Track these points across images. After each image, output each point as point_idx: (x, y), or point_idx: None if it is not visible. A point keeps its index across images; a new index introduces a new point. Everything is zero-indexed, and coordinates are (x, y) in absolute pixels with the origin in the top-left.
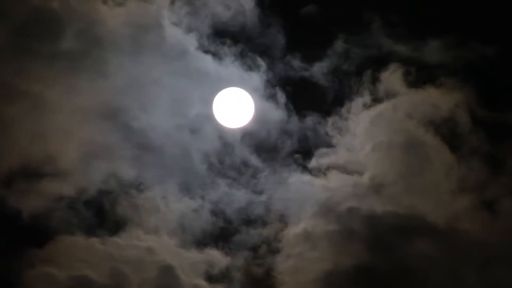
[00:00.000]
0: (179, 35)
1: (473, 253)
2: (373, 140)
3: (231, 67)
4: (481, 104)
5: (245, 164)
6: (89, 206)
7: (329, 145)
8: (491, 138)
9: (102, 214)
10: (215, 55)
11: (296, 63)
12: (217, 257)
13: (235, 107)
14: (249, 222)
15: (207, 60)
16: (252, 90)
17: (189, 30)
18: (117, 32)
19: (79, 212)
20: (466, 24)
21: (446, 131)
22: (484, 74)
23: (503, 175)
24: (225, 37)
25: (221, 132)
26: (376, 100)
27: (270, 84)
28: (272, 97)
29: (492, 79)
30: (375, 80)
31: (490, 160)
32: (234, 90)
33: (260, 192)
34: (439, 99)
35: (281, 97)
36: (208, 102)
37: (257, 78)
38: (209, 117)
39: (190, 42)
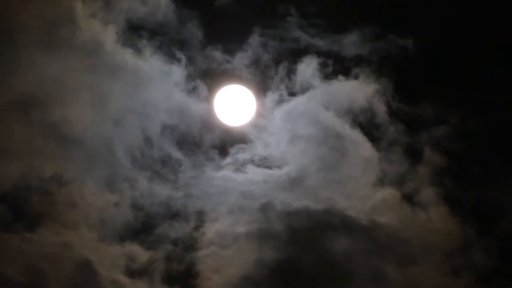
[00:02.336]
0: (95, 28)
1: (394, 247)
2: (290, 133)
3: (150, 60)
4: (398, 96)
5: (167, 158)
6: (4, 202)
7: (248, 139)
8: (408, 130)
9: (18, 209)
10: (134, 48)
11: (216, 56)
12: (137, 252)
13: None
14: (170, 216)
15: (126, 54)
16: (173, 84)
17: (105, 23)
18: (30, 26)
19: None
20: (383, 17)
21: (364, 123)
22: (401, 66)
23: (421, 166)
24: (142, 30)
25: (143, 126)
26: (292, 93)
27: (191, 77)
28: (193, 90)
29: (408, 71)
30: (291, 73)
31: (409, 152)
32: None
33: (181, 187)
34: (355, 91)
35: (202, 90)
36: (129, 95)
37: (177, 72)
38: (131, 110)
39: (107, 35)
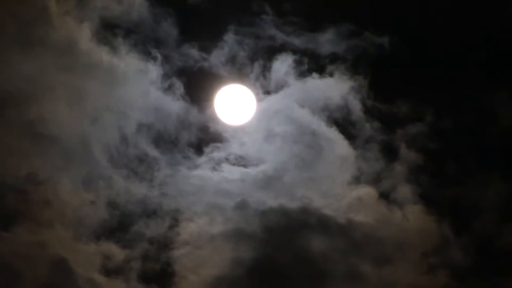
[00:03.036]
0: (69, 26)
1: (370, 245)
2: (265, 132)
3: (126, 58)
4: (374, 93)
5: (143, 156)
6: None
7: (224, 138)
8: (384, 128)
9: None
10: (109, 46)
11: (192, 54)
12: (113, 251)
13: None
14: (146, 215)
15: (101, 52)
16: (149, 82)
17: (80, 21)
18: (3, 24)
19: None
20: (359, 14)
21: (340, 121)
22: (377, 64)
23: (397, 164)
24: (117, 29)
25: (119, 124)
26: (268, 91)
27: (167, 75)
28: (169, 89)
29: (384, 69)
30: (266, 71)
31: (385, 150)
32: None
33: (157, 185)
34: (330, 89)
35: (179, 88)
36: (105, 94)
37: (153, 70)
38: (107, 108)
39: (82, 33)
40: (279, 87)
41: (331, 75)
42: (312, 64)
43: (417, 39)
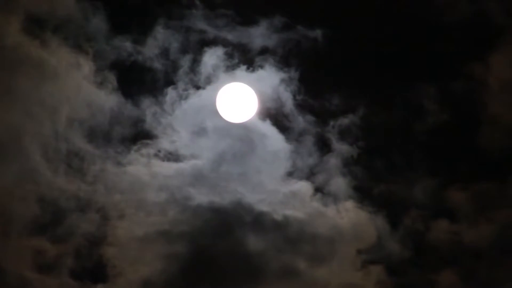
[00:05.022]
0: None
1: (304, 240)
2: (196, 126)
3: (57, 53)
4: (306, 86)
5: (76, 151)
6: None
7: (154, 134)
8: (317, 120)
9: None
10: (39, 40)
11: (124, 48)
12: (45, 247)
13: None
14: (79, 210)
15: (31, 46)
16: (81, 76)
17: (8, 15)
18: None
19: None
20: (292, 8)
21: (272, 114)
22: (309, 57)
23: (331, 158)
24: (47, 22)
25: (51, 119)
26: (198, 86)
27: (100, 69)
28: (102, 83)
29: (317, 62)
30: (196, 66)
31: (318, 143)
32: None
33: (90, 181)
34: (261, 82)
35: (112, 82)
36: (36, 88)
37: (85, 64)
38: (39, 103)
39: (11, 27)
40: (209, 81)
41: (262, 68)
42: (243, 57)
43: (350, 33)
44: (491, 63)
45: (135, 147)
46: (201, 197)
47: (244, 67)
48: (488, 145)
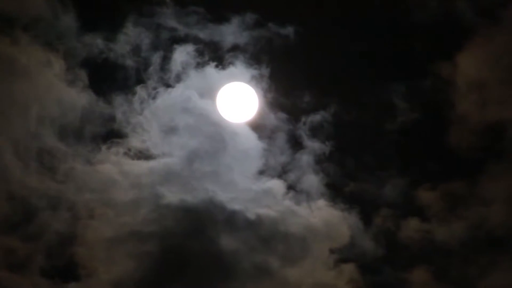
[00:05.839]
0: None
1: (277, 240)
2: (166, 125)
3: (28, 51)
4: (277, 83)
5: (47, 149)
6: None
7: (125, 132)
8: (288, 118)
9: None
10: (9, 38)
11: (95, 45)
12: (15, 245)
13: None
14: (50, 209)
15: (2, 44)
16: (52, 74)
17: None
18: None
19: None
20: (264, 5)
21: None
22: (281, 54)
23: (302, 155)
24: (17, 20)
25: (23, 117)
26: (168, 84)
27: (71, 67)
28: (73, 81)
29: (288, 59)
30: (166, 64)
31: (290, 141)
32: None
33: (61, 180)
34: (232, 80)
35: (83, 80)
36: (7, 86)
37: (56, 62)
38: (11, 101)
39: None
40: (179, 78)
41: (233, 65)
42: (214, 55)
43: (321, 31)
44: (458, 63)
45: (106, 146)
46: (172, 195)
47: (213, 64)
48: (457, 145)
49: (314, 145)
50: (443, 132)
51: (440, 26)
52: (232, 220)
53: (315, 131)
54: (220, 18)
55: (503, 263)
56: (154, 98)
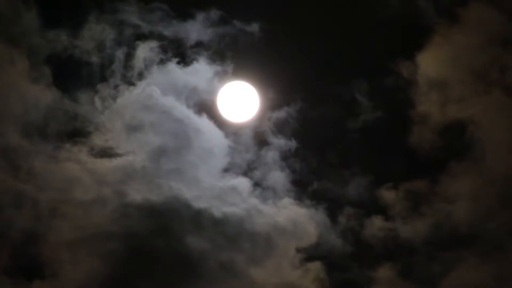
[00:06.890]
0: None
1: (242, 239)
2: (129, 122)
3: None
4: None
5: (12, 147)
6: None
7: (88, 130)
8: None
9: None
10: None
11: (57, 42)
12: None
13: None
14: (13, 207)
15: None
16: (16, 72)
17: None
18: None
19: None
20: (228, 1)
21: (207, 108)
22: (245, 50)
23: (268, 151)
24: None
25: None
26: (130, 81)
27: (34, 64)
28: (37, 78)
29: (253, 56)
30: (129, 61)
31: (255, 137)
32: None
33: (24, 178)
34: (195, 76)
35: (47, 77)
36: None
37: (19, 60)
38: None
39: None
40: (141, 76)
41: (196, 62)
42: (177, 51)
43: (286, 28)
44: (419, 62)
45: (69, 144)
46: (136, 194)
47: (176, 61)
48: (418, 143)
49: (279, 142)
50: (405, 131)
51: (402, 25)
52: (197, 219)
53: (280, 127)
54: (184, 14)
55: (466, 260)
56: (116, 96)
